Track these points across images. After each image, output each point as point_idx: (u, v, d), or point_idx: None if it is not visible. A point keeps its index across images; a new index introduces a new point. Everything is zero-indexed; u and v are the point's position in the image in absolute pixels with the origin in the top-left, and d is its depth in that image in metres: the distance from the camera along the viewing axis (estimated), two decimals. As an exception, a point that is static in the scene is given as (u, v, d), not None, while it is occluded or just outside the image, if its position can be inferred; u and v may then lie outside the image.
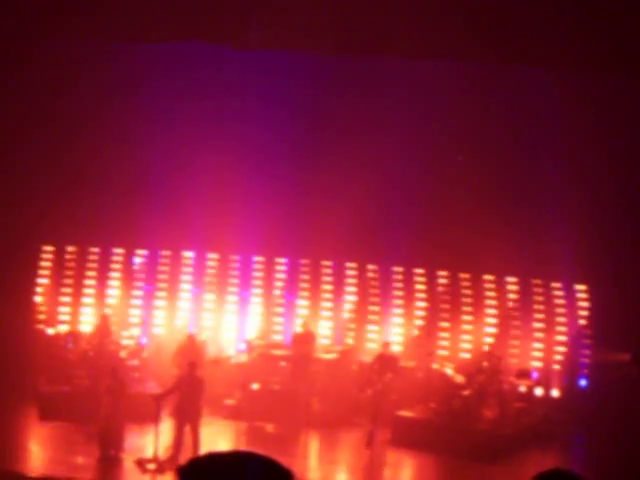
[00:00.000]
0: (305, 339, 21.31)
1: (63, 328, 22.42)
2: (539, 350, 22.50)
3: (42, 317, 23.02)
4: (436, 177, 22.47)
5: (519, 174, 22.34)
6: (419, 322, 23.06)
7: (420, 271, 23.31)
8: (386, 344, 20.49)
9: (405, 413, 19.50)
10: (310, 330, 21.76)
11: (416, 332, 22.95)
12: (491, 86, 21.78)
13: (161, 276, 23.60)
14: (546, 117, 22.03)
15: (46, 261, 23.44)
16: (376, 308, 23.24)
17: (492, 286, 23.07)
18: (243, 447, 17.85)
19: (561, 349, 22.47)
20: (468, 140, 22.38)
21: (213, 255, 23.66)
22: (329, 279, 23.51)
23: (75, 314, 23.07)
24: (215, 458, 2.73)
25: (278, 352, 21.34)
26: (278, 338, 22.84)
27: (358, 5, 18.71)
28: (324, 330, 23.08)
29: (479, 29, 18.33)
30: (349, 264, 23.46)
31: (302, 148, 22.74)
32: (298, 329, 22.07)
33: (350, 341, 23.05)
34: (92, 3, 18.97)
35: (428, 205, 22.45)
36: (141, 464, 16.26)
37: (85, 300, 23.24)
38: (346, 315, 23.27)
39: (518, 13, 18.10)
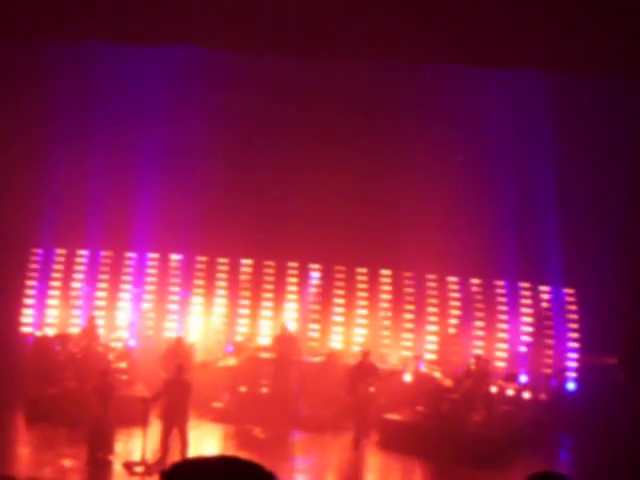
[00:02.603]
0: (284, 341, 21.33)
1: (51, 330, 22.39)
2: (526, 353, 22.56)
3: (30, 319, 23.00)
4: (424, 181, 22.54)
5: (509, 178, 22.40)
6: (408, 325, 23.11)
7: (408, 274, 23.34)
8: (365, 353, 20.27)
9: (393, 416, 19.52)
10: (288, 332, 21.77)
11: (405, 335, 23.02)
12: (489, 89, 21.91)
13: (149, 279, 23.60)
14: (539, 120, 22.10)
15: (35, 263, 23.41)
16: (364, 312, 23.27)
17: (480, 289, 23.12)
18: (231, 450, 17.87)
19: (548, 352, 22.55)
20: (458, 142, 22.48)
21: (201, 258, 23.66)
22: (317, 282, 23.53)
23: (63, 316, 23.05)
24: (199, 462, 2.74)
25: (265, 355, 21.35)
26: (265, 341, 22.85)
27: (350, 9, 18.71)
28: (312, 333, 23.15)
29: (474, 32, 18.35)
30: (337, 267, 23.49)
31: (290, 152, 22.78)
32: (277, 332, 22.11)
33: (337, 344, 23.06)
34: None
35: (418, 209, 22.47)
36: (129, 467, 16.25)
37: (73, 302, 23.22)
38: (334, 318, 23.31)
39: (517, 15, 18.10)
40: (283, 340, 21.42)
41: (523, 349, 22.60)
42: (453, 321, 23.01)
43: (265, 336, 23.01)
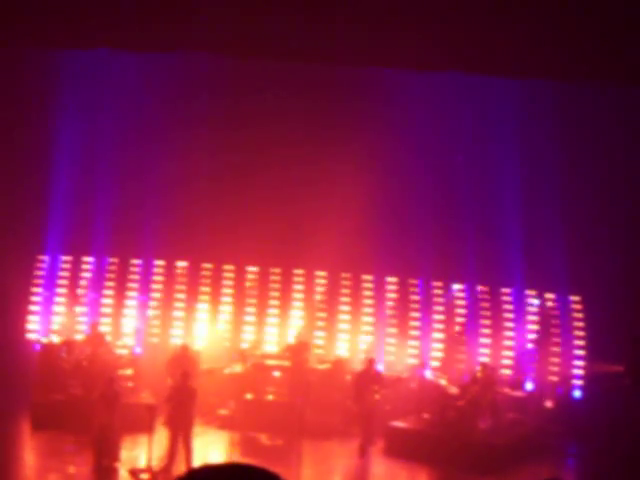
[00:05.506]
0: (299, 350, 21.29)
1: (57, 337, 22.38)
2: (532, 361, 22.51)
3: (36, 326, 23.01)
4: (429, 187, 22.53)
5: (513, 186, 22.38)
6: (414, 333, 23.07)
7: (414, 281, 23.32)
8: (370, 360, 20.24)
9: (398, 423, 19.48)
10: (304, 340, 21.75)
11: (410, 343, 22.99)
12: (490, 96, 21.93)
13: (155, 286, 23.60)
14: (539, 126, 22.10)
15: (40, 270, 23.42)
16: (370, 319, 23.24)
17: (486, 296, 23.09)
18: (237, 457, 17.85)
19: (554, 360, 22.51)
20: (457, 149, 22.53)
21: (207, 265, 23.66)
22: (323, 289, 23.51)
23: (69, 323, 23.05)
24: (213, 470, 2.72)
25: (272, 362, 21.31)
26: (271, 348, 22.83)
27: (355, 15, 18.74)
28: (318, 340, 23.11)
29: (475, 40, 18.37)
30: (343, 274, 23.47)
31: (296, 162, 22.77)
32: (292, 340, 22.06)
33: (343, 352, 23.02)
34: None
35: (424, 216, 22.47)
36: (134, 474, 16.23)
37: (80, 309, 23.23)
38: (340, 326, 23.29)
39: (519, 22, 18.10)
40: (298, 348, 21.35)
41: (529, 356, 22.55)
42: (459, 328, 22.97)
43: (271, 343, 22.99)
